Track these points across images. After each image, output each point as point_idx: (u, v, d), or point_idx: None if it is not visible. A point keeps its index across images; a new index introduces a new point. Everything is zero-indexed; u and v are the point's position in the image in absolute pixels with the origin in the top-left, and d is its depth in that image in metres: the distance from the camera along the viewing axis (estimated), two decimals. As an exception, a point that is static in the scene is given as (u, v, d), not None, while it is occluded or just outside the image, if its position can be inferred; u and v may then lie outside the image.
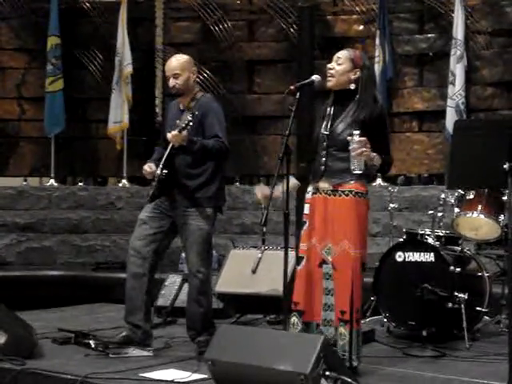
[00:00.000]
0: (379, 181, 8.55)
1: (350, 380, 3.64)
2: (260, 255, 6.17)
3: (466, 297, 5.27)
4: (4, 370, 4.40)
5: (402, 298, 5.46)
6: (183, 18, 9.72)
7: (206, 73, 9.29)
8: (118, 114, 9.08)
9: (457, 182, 4.55)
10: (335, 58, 4.43)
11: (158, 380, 4.18)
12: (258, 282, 5.99)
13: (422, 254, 5.46)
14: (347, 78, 4.38)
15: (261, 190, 4.47)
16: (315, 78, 4.45)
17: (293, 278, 5.25)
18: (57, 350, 4.97)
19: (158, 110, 9.70)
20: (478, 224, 5.62)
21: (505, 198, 5.42)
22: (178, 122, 4.69)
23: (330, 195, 4.36)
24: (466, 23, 8.50)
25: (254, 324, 5.98)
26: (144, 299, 4.88)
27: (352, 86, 4.38)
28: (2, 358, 4.50)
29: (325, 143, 4.38)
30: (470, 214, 5.59)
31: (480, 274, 5.67)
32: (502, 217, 5.50)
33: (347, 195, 4.32)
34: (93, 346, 4.83)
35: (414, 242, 5.62)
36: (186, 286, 5.67)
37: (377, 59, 8.66)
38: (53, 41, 9.12)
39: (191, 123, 4.59)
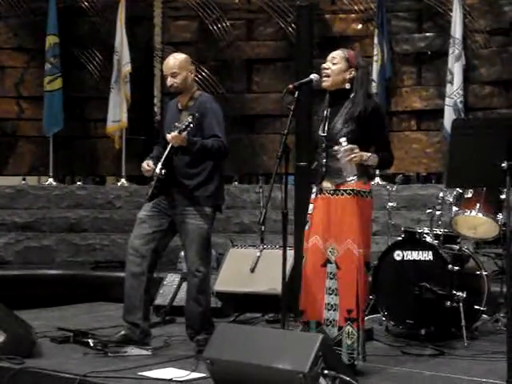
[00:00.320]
0: (377, 179, 8.55)
1: (348, 378, 3.65)
2: (259, 254, 6.19)
3: (465, 295, 5.28)
4: (3, 369, 4.40)
5: (401, 296, 5.47)
6: (182, 16, 9.72)
7: (204, 72, 9.29)
8: (117, 113, 9.08)
9: (455, 181, 4.56)
10: (330, 57, 4.45)
11: (156, 379, 4.19)
12: (257, 281, 6.00)
13: (421, 252, 5.47)
14: (342, 77, 4.40)
15: None
16: (314, 76, 4.46)
17: (291, 276, 5.27)
18: (56, 348, 4.97)
19: (156, 109, 9.70)
20: (476, 223, 5.62)
21: (503, 196, 5.42)
22: (176, 124, 4.68)
23: (332, 195, 4.37)
24: (464, 22, 8.50)
25: (253, 323, 5.98)
26: (143, 298, 4.89)
27: (347, 86, 4.40)
28: (0, 357, 4.50)
29: (323, 144, 4.40)
30: (469, 213, 5.59)
31: (478, 272, 5.67)
32: (500, 215, 5.50)
33: (349, 194, 4.34)
34: (92, 344, 4.84)
35: (413, 241, 5.62)
36: (184, 285, 5.68)
37: (375, 58, 8.67)
38: (51, 40, 9.12)
39: (191, 125, 4.60)
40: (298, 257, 5.74)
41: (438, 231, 5.72)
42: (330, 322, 4.34)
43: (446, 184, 5.00)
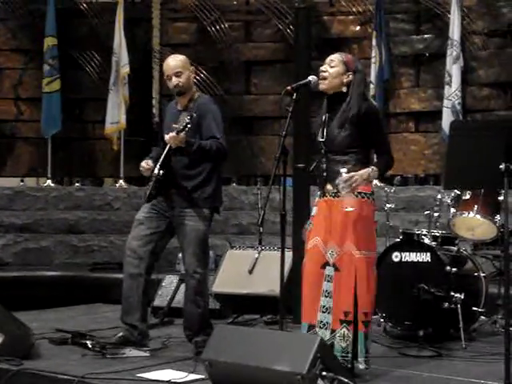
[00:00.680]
0: (375, 181, 8.53)
1: (346, 380, 3.65)
2: (257, 255, 6.19)
3: (463, 297, 5.28)
4: (1, 371, 4.40)
5: (399, 298, 5.47)
6: (180, 18, 9.73)
7: (203, 73, 9.29)
8: (115, 115, 9.09)
9: (453, 183, 4.56)
10: (328, 60, 4.44)
11: (154, 380, 4.19)
12: (255, 283, 6.00)
13: (419, 254, 5.47)
14: (340, 80, 4.40)
15: None
16: (312, 78, 4.46)
17: (289, 278, 5.27)
18: (54, 350, 4.97)
19: (154, 110, 9.70)
20: (474, 224, 5.63)
21: (501, 198, 5.43)
22: (174, 125, 4.68)
23: (334, 197, 4.37)
24: (462, 24, 8.51)
25: (251, 324, 5.98)
26: (141, 300, 4.89)
27: (344, 89, 4.40)
28: (-1, 359, 4.51)
29: (323, 150, 4.41)
30: (467, 214, 5.60)
31: (476, 274, 5.68)
32: (498, 217, 5.50)
33: (356, 197, 4.32)
34: (90, 346, 4.84)
35: (411, 242, 5.63)
36: (182, 287, 5.68)
37: (373, 60, 8.68)
38: (50, 41, 9.13)
39: (189, 125, 4.60)
40: (297, 258, 5.75)
41: (436, 233, 5.73)
42: (324, 324, 4.32)
43: (444, 185, 5.01)
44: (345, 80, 4.40)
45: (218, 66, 9.52)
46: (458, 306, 5.27)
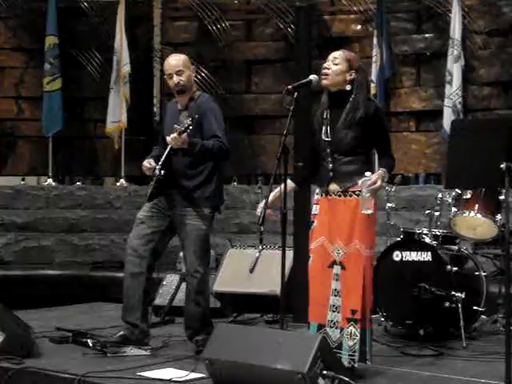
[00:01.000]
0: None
1: (347, 379, 3.65)
2: (258, 254, 6.19)
3: (463, 296, 5.28)
4: (2, 369, 4.40)
5: (400, 297, 5.47)
6: (181, 17, 9.74)
7: (203, 72, 9.29)
8: (116, 114, 9.09)
9: (454, 182, 4.56)
10: (331, 57, 4.43)
11: (155, 379, 4.19)
12: (256, 282, 6.00)
13: (420, 253, 5.47)
14: (343, 78, 4.39)
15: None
16: (313, 77, 4.45)
17: (290, 277, 5.27)
18: (55, 349, 4.98)
19: (155, 109, 9.71)
20: (475, 223, 5.62)
21: (502, 197, 5.43)
22: (175, 125, 4.66)
23: (340, 196, 4.36)
24: (463, 23, 8.51)
25: (252, 323, 5.98)
26: (142, 298, 4.89)
27: (348, 87, 4.39)
28: (-1, 357, 4.51)
29: (328, 150, 4.39)
30: (467, 214, 5.59)
31: (477, 273, 5.68)
32: (498, 216, 5.50)
33: (358, 195, 4.32)
34: (90, 345, 4.84)
35: (412, 242, 5.63)
36: (183, 286, 5.68)
37: (374, 59, 8.68)
38: (51, 40, 9.13)
39: (191, 127, 4.59)
40: (297, 257, 5.76)
41: (437, 232, 5.72)
42: (334, 323, 4.32)
43: (445, 185, 5.01)
44: (348, 78, 4.39)
45: (219, 65, 9.52)
46: (459, 305, 5.27)
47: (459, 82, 8.35)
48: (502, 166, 3.99)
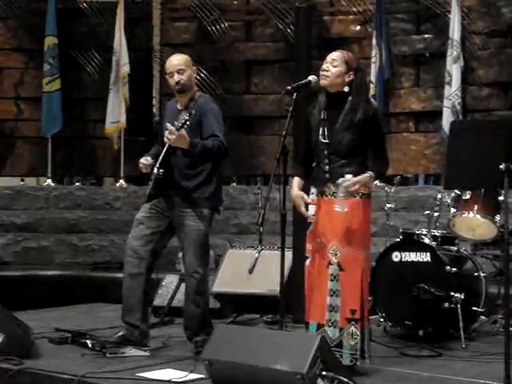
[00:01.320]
0: (376, 181, 8.54)
1: (346, 380, 3.66)
2: (257, 255, 6.18)
3: (463, 297, 5.28)
4: (1, 370, 4.40)
5: (399, 297, 5.47)
6: (180, 18, 9.74)
7: (203, 73, 9.29)
8: (116, 114, 9.09)
9: (453, 183, 4.56)
10: (330, 59, 4.42)
11: (155, 380, 4.19)
12: (255, 282, 6.00)
13: (419, 254, 5.47)
14: (342, 80, 4.39)
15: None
16: (312, 78, 4.45)
17: (289, 278, 5.27)
18: (54, 349, 4.97)
19: (155, 110, 9.72)
20: (474, 224, 5.63)
21: (501, 198, 5.43)
22: (174, 123, 4.67)
23: (336, 197, 4.37)
24: (462, 24, 8.52)
25: (251, 324, 5.98)
26: (141, 299, 4.89)
27: (346, 89, 4.40)
28: (-1, 358, 4.51)
29: (326, 151, 4.40)
30: (467, 214, 5.60)
31: (476, 274, 5.68)
32: (498, 217, 5.50)
33: (354, 196, 4.34)
34: (90, 345, 4.83)
35: (411, 242, 5.63)
36: (183, 286, 5.67)
37: (373, 59, 8.69)
38: (50, 41, 9.14)
39: (188, 122, 4.60)
40: (297, 258, 5.75)
41: (436, 233, 5.73)
42: (332, 323, 4.35)
43: (444, 185, 5.01)
44: (346, 79, 4.40)
45: (218, 66, 9.52)
46: (458, 305, 5.27)
47: (458, 82, 8.36)
48: (501, 166, 3.99)
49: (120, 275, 5.16)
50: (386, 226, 6.40)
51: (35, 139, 9.50)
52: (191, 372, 4.24)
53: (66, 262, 8.65)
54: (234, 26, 9.55)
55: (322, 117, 4.44)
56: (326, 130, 4.40)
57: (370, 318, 5.77)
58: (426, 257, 5.45)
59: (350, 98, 4.38)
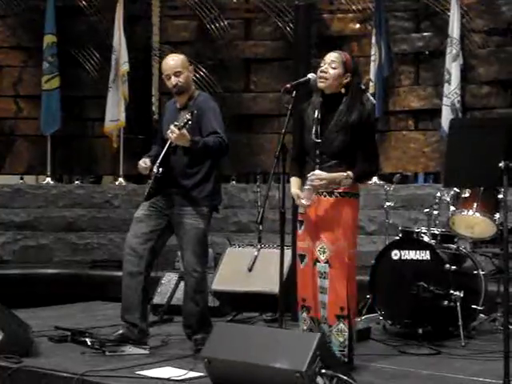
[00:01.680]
0: (375, 179, 8.56)
1: (346, 378, 3.66)
2: (256, 253, 6.18)
3: (462, 295, 5.28)
4: (0, 368, 4.40)
5: (398, 295, 5.47)
6: (180, 16, 9.74)
7: (202, 71, 9.29)
8: (115, 113, 9.09)
9: (453, 181, 4.56)
10: (328, 60, 4.41)
11: (154, 378, 4.19)
12: (255, 280, 5.99)
13: (418, 252, 5.47)
14: (339, 82, 4.40)
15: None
16: (311, 76, 4.45)
17: (289, 276, 5.27)
18: (53, 348, 4.97)
19: (154, 108, 9.71)
20: (473, 222, 5.63)
21: (500, 196, 5.44)
22: (175, 123, 4.66)
23: (325, 196, 4.38)
24: (461, 22, 8.52)
25: (251, 322, 5.98)
26: (140, 297, 4.89)
27: (342, 90, 4.40)
28: (-2, 356, 4.51)
29: (318, 151, 4.40)
30: (466, 212, 5.60)
31: (475, 272, 5.68)
32: (497, 215, 5.51)
33: (343, 196, 4.38)
34: (89, 343, 4.83)
35: (410, 240, 5.63)
36: (182, 284, 5.67)
37: (373, 58, 8.69)
38: (49, 39, 9.13)
39: (190, 122, 4.60)
40: (296, 256, 5.75)
41: (436, 231, 5.73)
42: (324, 319, 4.38)
43: (444, 183, 5.00)
44: (344, 81, 4.40)
45: (218, 64, 9.52)
46: (457, 303, 5.27)
47: (458, 80, 8.36)
48: (500, 164, 3.99)
49: (119, 273, 5.16)
50: (385, 224, 6.39)
51: (34, 137, 9.50)
52: (190, 370, 4.24)
53: (65, 261, 8.65)
54: (233, 24, 9.55)
55: (315, 116, 4.43)
56: (318, 129, 4.41)
57: (369, 316, 5.84)
58: (425, 255, 5.45)
59: (344, 100, 4.39)
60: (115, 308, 5.44)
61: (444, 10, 8.77)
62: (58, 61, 9.13)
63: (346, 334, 4.31)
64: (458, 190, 5.68)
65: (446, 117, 8.18)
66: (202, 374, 4.13)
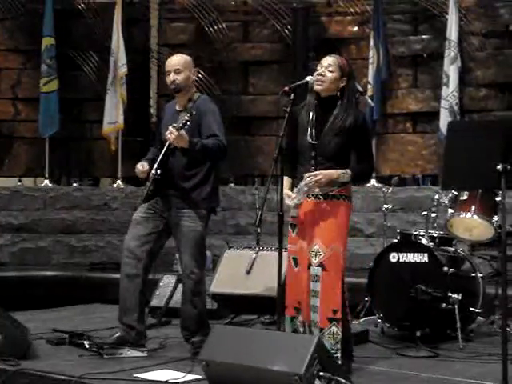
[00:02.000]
0: (373, 181, 8.56)
1: (344, 380, 3.65)
2: (254, 256, 6.18)
3: (460, 297, 5.29)
4: (-2, 371, 4.41)
5: (396, 298, 5.48)
6: (178, 18, 9.74)
7: (200, 74, 9.28)
8: (113, 115, 9.08)
9: (451, 183, 4.56)
10: (325, 64, 4.43)
11: (152, 380, 4.19)
12: (253, 283, 5.99)
13: (416, 254, 5.48)
14: (336, 85, 4.42)
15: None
16: (309, 78, 4.46)
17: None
18: (51, 350, 4.97)
19: (152, 110, 9.71)
20: (471, 225, 5.63)
21: (498, 198, 5.44)
22: (174, 124, 4.66)
23: (320, 199, 4.39)
24: (459, 25, 8.53)
25: (249, 325, 5.98)
26: (138, 300, 4.88)
27: (338, 94, 4.42)
28: (-4, 359, 4.50)
29: (313, 153, 4.41)
30: (464, 215, 5.60)
31: (473, 274, 5.69)
32: (495, 217, 5.51)
33: (338, 199, 4.38)
34: (87, 346, 4.84)
35: (408, 243, 5.64)
36: (180, 287, 5.67)
37: (371, 60, 8.69)
38: (47, 42, 9.12)
39: (188, 122, 4.60)
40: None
41: (434, 233, 5.74)
42: (315, 323, 4.37)
43: (442, 186, 5.02)
44: (340, 85, 4.42)
45: (216, 66, 9.52)
46: (456, 306, 5.28)
47: (456, 83, 8.37)
48: (498, 167, 3.99)
49: (117, 276, 5.15)
50: (383, 226, 6.40)
51: (32, 140, 9.49)
52: (188, 373, 4.25)
53: (63, 263, 8.64)
54: (231, 26, 9.55)
55: (310, 118, 4.44)
56: (313, 131, 4.41)
57: (367, 318, 5.84)
58: (423, 257, 5.46)
59: (339, 103, 4.41)
60: (113, 310, 5.44)
61: (442, 12, 8.78)
62: (56, 63, 9.12)
63: (339, 336, 4.30)
64: (456, 193, 5.69)
65: (444, 119, 8.18)
66: (199, 376, 4.13)
